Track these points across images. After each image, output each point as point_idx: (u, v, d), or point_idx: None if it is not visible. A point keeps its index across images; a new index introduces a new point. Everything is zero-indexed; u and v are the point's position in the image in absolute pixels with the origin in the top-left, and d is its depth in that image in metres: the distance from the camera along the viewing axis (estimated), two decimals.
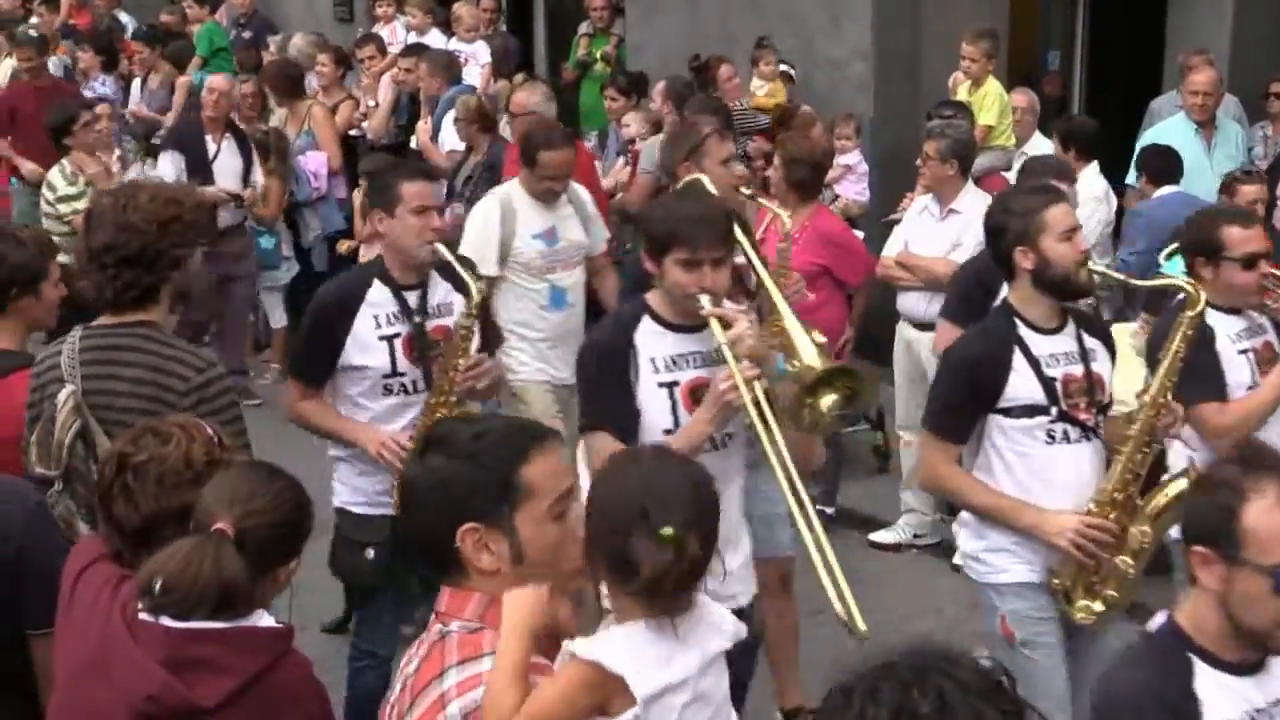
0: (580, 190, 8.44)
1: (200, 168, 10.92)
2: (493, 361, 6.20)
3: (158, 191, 4.93)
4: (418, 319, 5.84)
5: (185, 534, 3.44)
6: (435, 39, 13.81)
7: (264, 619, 3.38)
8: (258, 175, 11.27)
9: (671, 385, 5.05)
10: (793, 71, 11.72)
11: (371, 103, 13.11)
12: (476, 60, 13.28)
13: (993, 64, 10.67)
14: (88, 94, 14.10)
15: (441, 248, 5.75)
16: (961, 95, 10.44)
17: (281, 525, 3.49)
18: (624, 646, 2.98)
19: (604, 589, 3.13)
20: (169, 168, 10.87)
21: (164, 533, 3.50)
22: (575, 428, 7.33)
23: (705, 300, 4.85)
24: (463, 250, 7.55)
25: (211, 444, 3.74)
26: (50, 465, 4.67)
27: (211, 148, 11.11)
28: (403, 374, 5.86)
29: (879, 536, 9.21)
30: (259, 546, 3.39)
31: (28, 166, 12.25)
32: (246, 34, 15.43)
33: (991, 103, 10.47)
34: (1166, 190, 9.40)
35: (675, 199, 5.32)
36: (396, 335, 5.82)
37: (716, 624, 3.17)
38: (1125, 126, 11.22)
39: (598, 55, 13.80)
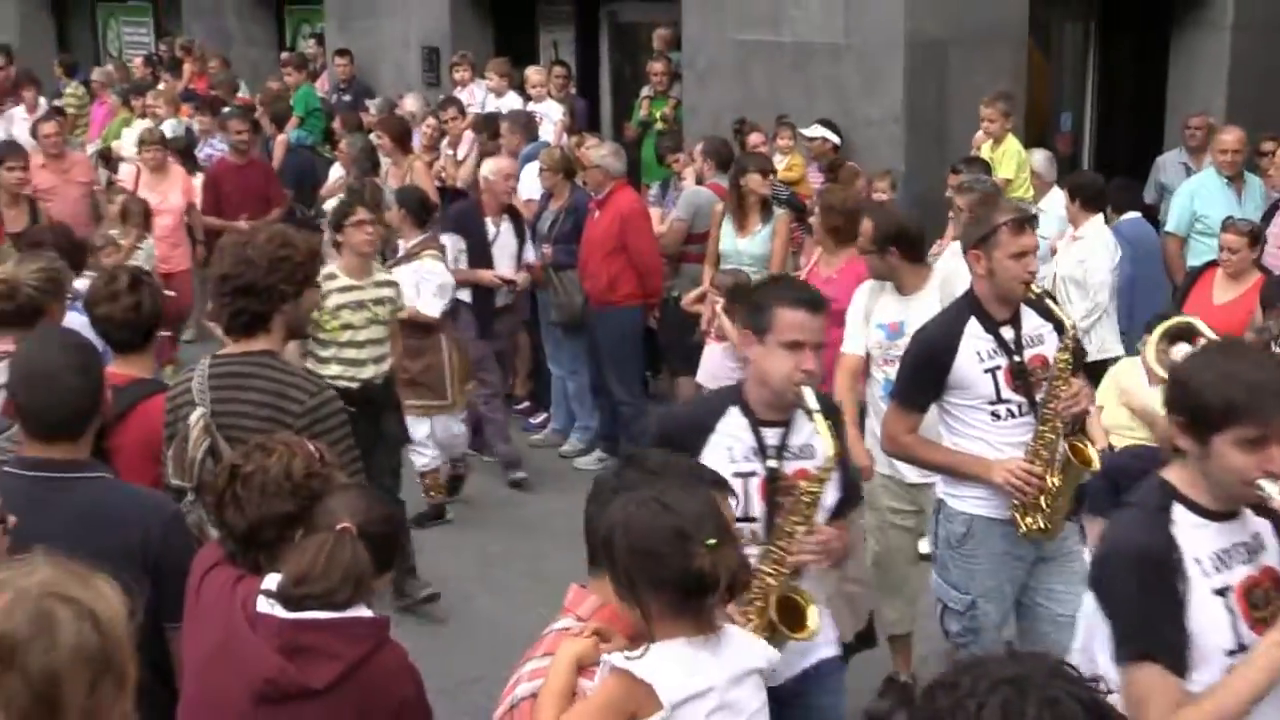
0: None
1: (480, 250, 10.22)
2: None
3: (276, 234, 5.05)
4: (770, 463, 4.60)
5: (286, 539, 3.57)
6: (512, 101, 13.87)
7: (364, 611, 3.45)
8: (529, 254, 10.55)
9: (1224, 591, 3.64)
10: (835, 137, 11.68)
11: (450, 152, 13.15)
12: (550, 119, 13.31)
13: (1009, 123, 10.67)
14: (202, 154, 14.17)
15: (808, 393, 4.49)
16: (985, 153, 10.43)
17: (386, 537, 3.61)
18: (656, 659, 2.98)
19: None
20: (449, 248, 10.01)
21: (266, 536, 3.63)
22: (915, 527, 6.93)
23: (1271, 488, 3.53)
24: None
25: (312, 459, 3.79)
26: (184, 478, 4.76)
27: (491, 230, 10.30)
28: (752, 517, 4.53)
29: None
30: (370, 551, 3.47)
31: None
32: (347, 97, 15.54)
33: (1010, 158, 10.47)
34: (1129, 216, 10.00)
35: (1226, 357, 3.74)
36: (752, 473, 4.55)
37: (748, 647, 3.17)
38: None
39: (658, 116, 13.82)
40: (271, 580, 3.46)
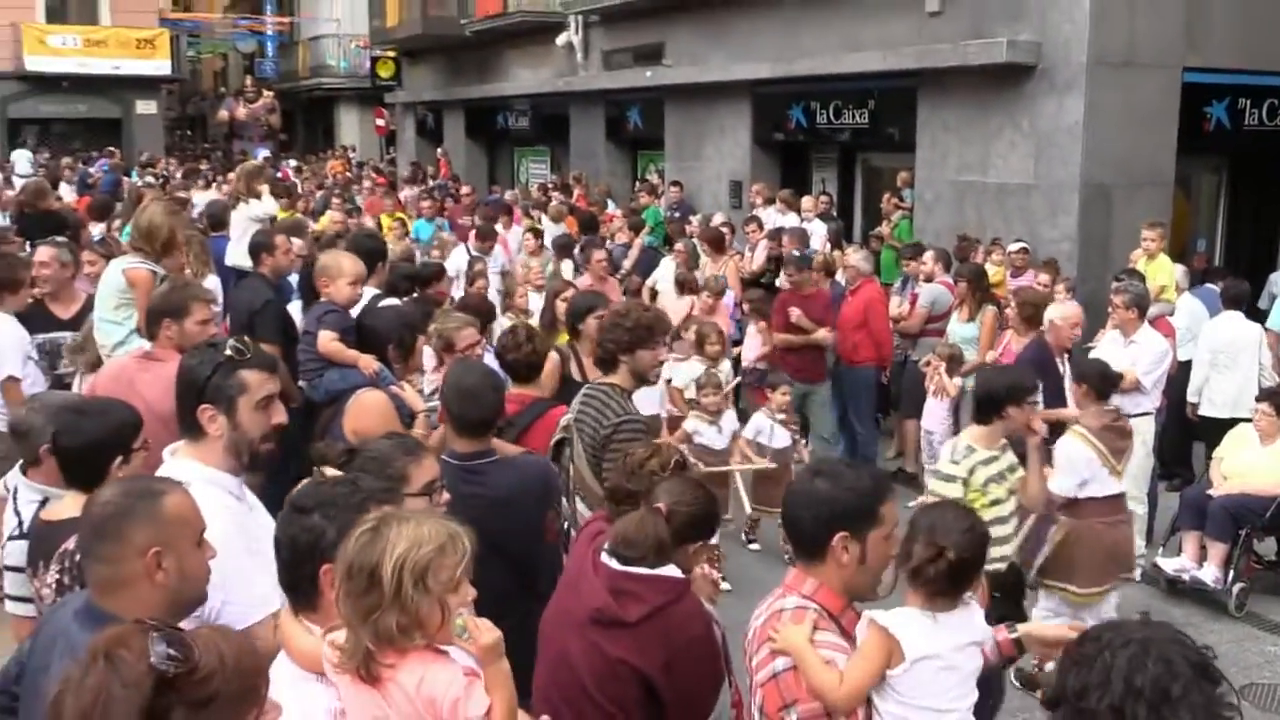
0: None
1: (1056, 389, 7.75)
2: None
3: (622, 307, 5.21)
4: None
5: (631, 509, 3.48)
6: (792, 219, 13.81)
7: (673, 571, 3.37)
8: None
9: None
10: (1027, 247, 11.25)
11: (745, 250, 13.12)
12: (817, 234, 13.21)
13: (1162, 245, 10.09)
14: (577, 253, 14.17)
15: None
16: (1140, 265, 9.88)
17: (695, 514, 3.46)
18: (901, 620, 2.88)
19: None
20: None
21: (615, 499, 3.60)
22: None
23: None
24: None
25: (668, 461, 3.74)
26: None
27: (1062, 369, 8.00)
28: None
29: None
30: (679, 525, 3.39)
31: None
32: (676, 214, 15.69)
33: (1165, 271, 9.91)
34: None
35: None
36: None
37: (975, 624, 2.99)
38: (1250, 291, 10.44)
39: (882, 234, 13.61)
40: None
